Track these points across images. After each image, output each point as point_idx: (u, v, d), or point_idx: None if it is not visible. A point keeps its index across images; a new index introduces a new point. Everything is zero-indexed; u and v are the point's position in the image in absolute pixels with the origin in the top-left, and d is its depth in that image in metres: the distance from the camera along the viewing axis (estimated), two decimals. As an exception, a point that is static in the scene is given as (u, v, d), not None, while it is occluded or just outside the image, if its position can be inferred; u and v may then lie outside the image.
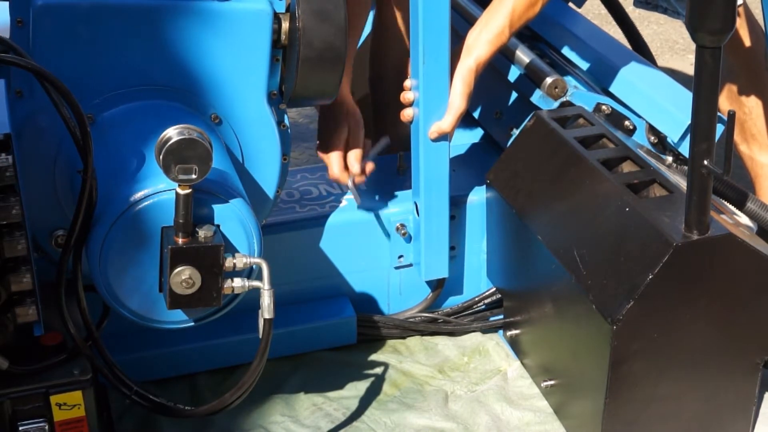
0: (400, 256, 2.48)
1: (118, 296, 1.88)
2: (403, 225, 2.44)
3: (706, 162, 1.90)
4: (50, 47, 1.99)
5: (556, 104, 2.51)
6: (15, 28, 2.00)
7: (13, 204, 1.73)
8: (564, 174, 2.28)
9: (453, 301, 2.57)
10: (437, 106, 2.29)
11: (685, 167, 2.12)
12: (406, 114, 2.35)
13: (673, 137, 2.33)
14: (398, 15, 2.80)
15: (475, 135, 2.84)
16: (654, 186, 2.17)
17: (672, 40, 4.94)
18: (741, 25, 2.68)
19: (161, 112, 2.04)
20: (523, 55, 2.59)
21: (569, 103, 2.50)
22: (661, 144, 2.42)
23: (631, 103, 2.44)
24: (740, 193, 2.20)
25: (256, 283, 1.90)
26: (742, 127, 2.81)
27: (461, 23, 2.73)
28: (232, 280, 1.88)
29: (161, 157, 1.76)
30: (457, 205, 2.48)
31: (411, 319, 2.52)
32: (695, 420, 2.13)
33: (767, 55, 2.56)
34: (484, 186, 2.49)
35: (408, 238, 2.45)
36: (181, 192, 1.79)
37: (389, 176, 2.60)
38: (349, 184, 2.41)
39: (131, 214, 1.84)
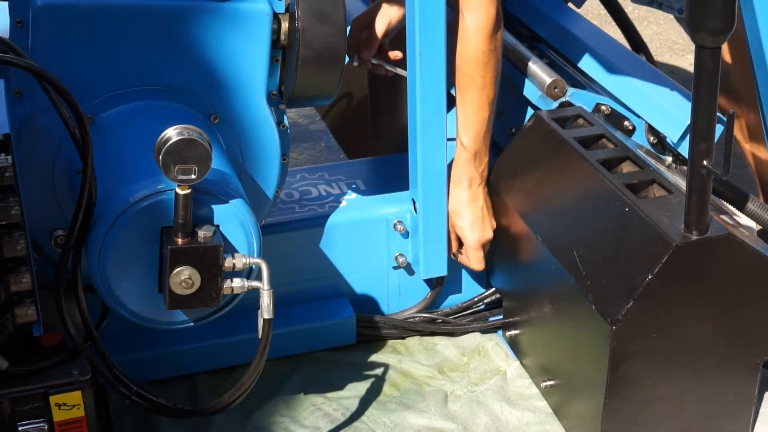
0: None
1: (118, 296, 1.88)
2: (400, 221, 2.44)
3: (705, 162, 1.90)
4: (49, 47, 1.99)
5: (555, 104, 2.51)
6: (14, 29, 1.99)
7: (13, 204, 1.73)
8: (564, 174, 2.28)
9: (452, 301, 2.57)
10: (434, 102, 2.29)
11: (685, 167, 2.12)
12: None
13: (672, 137, 2.33)
14: None
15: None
16: (653, 186, 2.17)
17: (671, 40, 4.94)
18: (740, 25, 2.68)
19: (160, 113, 2.04)
20: (523, 56, 2.59)
21: (569, 104, 2.50)
22: (661, 144, 2.42)
23: (631, 103, 2.44)
24: (740, 194, 2.20)
25: (255, 284, 1.90)
26: (743, 127, 2.81)
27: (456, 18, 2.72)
28: (232, 281, 1.88)
29: (160, 157, 1.76)
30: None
31: (410, 319, 2.52)
32: (695, 420, 2.13)
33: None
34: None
35: (405, 234, 2.45)
36: (181, 192, 1.79)
37: (388, 176, 2.60)
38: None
39: (131, 215, 1.84)
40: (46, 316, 1.87)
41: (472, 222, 2.38)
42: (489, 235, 2.41)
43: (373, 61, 2.58)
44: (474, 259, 2.43)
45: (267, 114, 2.15)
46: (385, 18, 2.52)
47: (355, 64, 2.57)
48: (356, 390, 2.36)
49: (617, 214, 2.09)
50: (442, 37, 2.24)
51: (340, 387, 2.37)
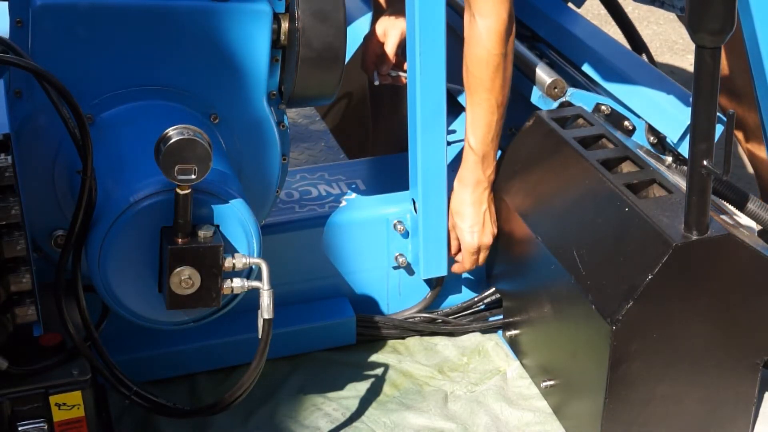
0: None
1: (117, 296, 1.88)
2: (400, 221, 2.44)
3: (705, 162, 1.90)
4: (49, 47, 1.99)
5: (555, 104, 2.51)
6: (14, 29, 1.99)
7: (13, 204, 1.73)
8: (563, 174, 2.28)
9: (452, 301, 2.57)
10: (434, 102, 2.29)
11: (685, 167, 2.12)
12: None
13: (672, 137, 2.33)
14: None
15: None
16: (653, 186, 2.17)
17: (671, 40, 4.94)
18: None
19: (160, 113, 2.04)
20: (523, 56, 2.59)
21: (568, 104, 2.50)
22: (661, 144, 2.42)
23: (631, 103, 2.44)
24: (740, 194, 2.20)
25: (255, 284, 1.89)
26: (743, 127, 2.80)
27: (456, 18, 2.72)
28: (232, 281, 1.88)
29: (161, 157, 1.76)
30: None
31: (410, 319, 2.52)
32: (695, 420, 2.13)
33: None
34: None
35: (405, 234, 2.45)
36: (181, 192, 1.79)
37: (388, 176, 2.60)
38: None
39: (130, 215, 1.84)
40: (46, 316, 1.87)
41: (472, 225, 2.38)
42: (487, 240, 2.40)
43: (392, 74, 2.59)
44: (468, 261, 2.43)
45: (267, 114, 2.15)
46: (397, 29, 2.53)
47: (377, 82, 2.59)
48: (356, 390, 2.36)
49: (617, 214, 2.09)
50: (442, 37, 2.24)
51: (340, 387, 2.37)
